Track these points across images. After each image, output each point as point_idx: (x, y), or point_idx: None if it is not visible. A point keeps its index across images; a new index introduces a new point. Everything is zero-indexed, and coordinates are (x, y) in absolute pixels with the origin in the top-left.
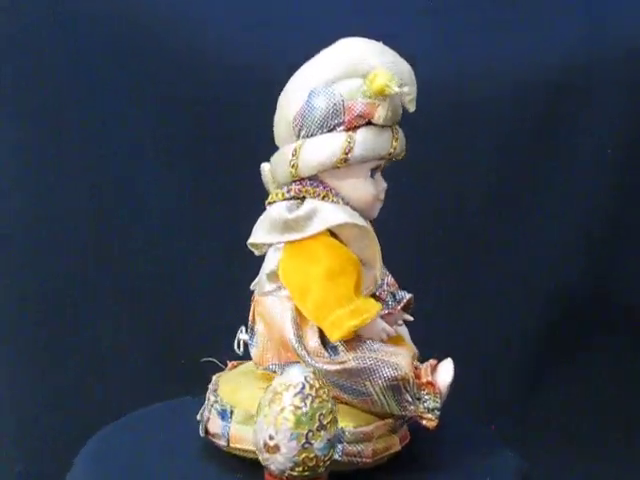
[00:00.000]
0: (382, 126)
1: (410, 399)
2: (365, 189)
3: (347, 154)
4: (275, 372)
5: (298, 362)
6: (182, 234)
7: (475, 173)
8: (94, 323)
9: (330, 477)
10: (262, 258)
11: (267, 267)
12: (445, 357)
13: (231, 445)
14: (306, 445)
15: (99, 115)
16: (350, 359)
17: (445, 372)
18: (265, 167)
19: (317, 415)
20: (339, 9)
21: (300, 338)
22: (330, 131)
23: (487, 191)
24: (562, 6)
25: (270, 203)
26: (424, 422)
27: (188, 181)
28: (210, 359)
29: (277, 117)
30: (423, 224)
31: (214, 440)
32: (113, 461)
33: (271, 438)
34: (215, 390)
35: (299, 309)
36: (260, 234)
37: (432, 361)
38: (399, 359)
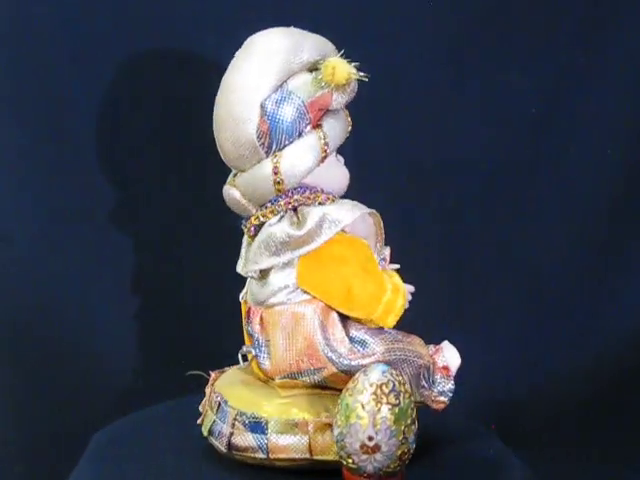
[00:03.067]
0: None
1: (426, 385)
2: (339, 173)
3: (325, 151)
4: (295, 379)
5: (325, 367)
6: (183, 235)
7: (474, 172)
8: (94, 323)
9: (330, 473)
10: None
11: (277, 283)
12: None
13: (271, 456)
14: (403, 440)
15: (100, 115)
16: (382, 351)
17: (452, 355)
18: (235, 195)
19: (409, 410)
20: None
21: (328, 341)
22: (300, 135)
23: (487, 190)
24: None
25: (256, 225)
26: (434, 405)
27: (188, 181)
28: (197, 372)
29: (226, 138)
30: (419, 220)
31: (246, 454)
32: (113, 461)
33: (370, 439)
34: (226, 403)
35: (323, 313)
36: (265, 258)
37: (436, 346)
38: (418, 347)
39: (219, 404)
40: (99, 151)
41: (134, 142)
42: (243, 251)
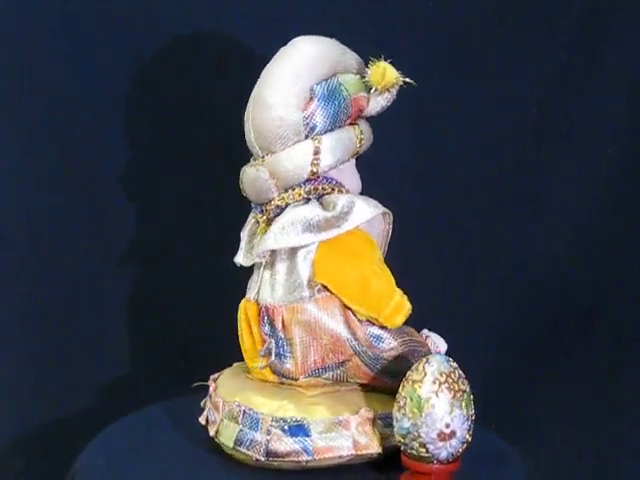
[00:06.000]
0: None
1: None
2: (357, 177)
3: (359, 147)
4: (319, 376)
5: (350, 360)
6: (184, 234)
7: (475, 172)
8: (94, 323)
9: (331, 471)
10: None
11: (297, 280)
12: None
13: (317, 457)
14: (470, 424)
15: (99, 114)
16: (399, 344)
17: (440, 341)
18: (263, 174)
19: (471, 394)
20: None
21: (354, 334)
22: (340, 127)
23: (487, 189)
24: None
25: (278, 206)
26: None
27: (188, 181)
28: (202, 383)
29: (268, 117)
30: (419, 217)
31: (287, 459)
32: (114, 462)
33: (447, 426)
34: (253, 410)
35: (344, 309)
36: (286, 238)
37: (423, 336)
38: (418, 337)
39: (243, 412)
40: (99, 149)
41: (135, 141)
42: (243, 242)
